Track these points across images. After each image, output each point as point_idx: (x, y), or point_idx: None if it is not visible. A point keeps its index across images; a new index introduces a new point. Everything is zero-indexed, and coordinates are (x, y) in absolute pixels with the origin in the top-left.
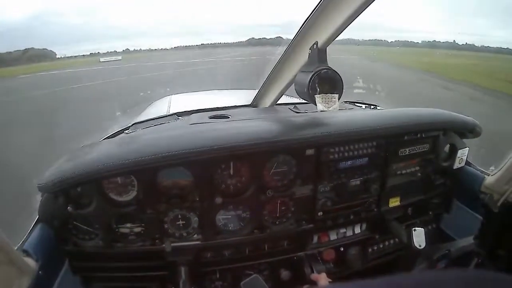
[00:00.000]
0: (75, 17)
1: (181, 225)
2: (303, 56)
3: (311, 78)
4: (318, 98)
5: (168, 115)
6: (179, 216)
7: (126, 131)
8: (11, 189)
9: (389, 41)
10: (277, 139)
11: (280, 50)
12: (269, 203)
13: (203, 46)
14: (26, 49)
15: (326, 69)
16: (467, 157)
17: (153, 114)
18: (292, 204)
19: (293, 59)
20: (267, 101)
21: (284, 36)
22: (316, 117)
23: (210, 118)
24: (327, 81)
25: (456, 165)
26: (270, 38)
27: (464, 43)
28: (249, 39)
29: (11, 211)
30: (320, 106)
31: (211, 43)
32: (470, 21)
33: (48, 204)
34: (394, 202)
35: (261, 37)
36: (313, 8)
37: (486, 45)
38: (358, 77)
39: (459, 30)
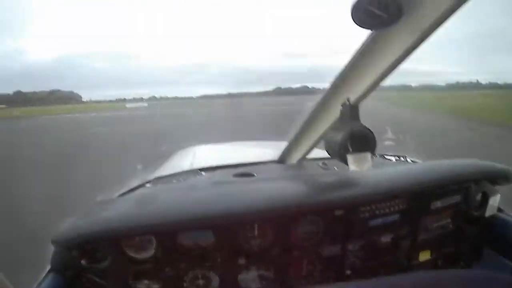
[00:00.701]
0: (101, 61)
1: (201, 284)
2: (334, 112)
3: (343, 137)
4: (350, 157)
5: (191, 171)
6: (199, 276)
7: (147, 184)
8: (22, 234)
9: (413, 85)
10: (305, 202)
11: (310, 102)
12: (295, 262)
13: (230, 95)
14: (52, 90)
15: (359, 127)
16: (498, 203)
17: (176, 166)
18: (319, 263)
19: (324, 114)
20: (295, 157)
21: (309, 85)
22: (346, 176)
23: (234, 176)
24: (359, 140)
25: (488, 213)
26: (295, 88)
27: (487, 82)
28: (276, 88)
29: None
30: (352, 166)
31: (237, 93)
32: (491, 59)
33: (61, 255)
34: (425, 255)
35: (287, 87)
36: (346, 63)
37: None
38: (387, 127)
39: (481, 69)
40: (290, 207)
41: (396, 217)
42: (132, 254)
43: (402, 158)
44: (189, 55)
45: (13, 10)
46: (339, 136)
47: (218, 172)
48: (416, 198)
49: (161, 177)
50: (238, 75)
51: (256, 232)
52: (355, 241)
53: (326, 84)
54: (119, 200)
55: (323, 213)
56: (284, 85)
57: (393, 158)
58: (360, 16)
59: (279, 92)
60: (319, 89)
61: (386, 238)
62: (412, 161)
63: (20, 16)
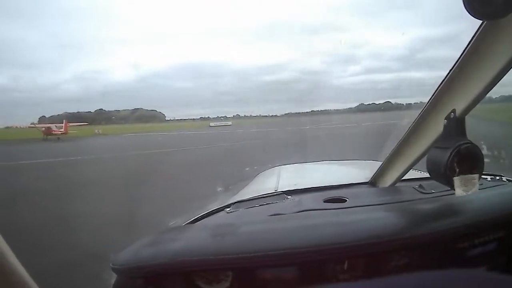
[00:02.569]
0: (183, 81)
1: None
2: (437, 128)
3: (449, 157)
4: (457, 180)
5: (276, 194)
6: None
7: (227, 209)
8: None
9: (493, 97)
10: (405, 236)
11: (406, 118)
12: None
13: (313, 112)
14: (135, 109)
15: (467, 143)
16: None
17: (260, 188)
18: None
19: (425, 130)
20: (389, 179)
21: (392, 101)
22: (450, 202)
23: (325, 202)
24: (467, 159)
25: None
26: (379, 104)
27: None
28: (359, 105)
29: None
30: (459, 191)
31: (321, 110)
32: None
33: (124, 284)
34: None
35: (370, 103)
36: (448, 70)
37: None
38: (482, 143)
39: None
40: (387, 243)
41: (494, 245)
42: (202, 285)
43: (498, 178)
44: (271, 73)
45: (92, 33)
46: (444, 155)
47: (305, 196)
48: None
49: (242, 200)
50: (320, 93)
51: (345, 266)
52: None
53: (409, 100)
54: (190, 228)
55: (421, 245)
56: (367, 101)
57: (489, 178)
58: (473, 3)
59: (362, 108)
60: (402, 105)
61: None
62: (508, 179)
63: (100, 37)
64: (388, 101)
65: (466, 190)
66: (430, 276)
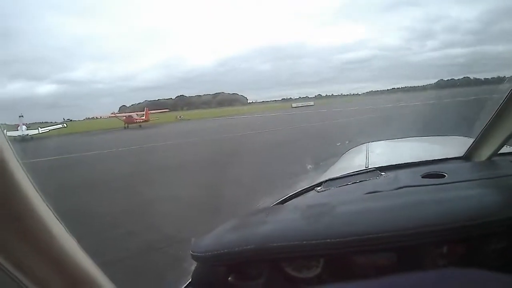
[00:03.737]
0: (262, 64)
1: None
2: None
3: None
4: None
5: (369, 170)
6: None
7: (318, 188)
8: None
9: None
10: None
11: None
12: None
13: (393, 90)
14: (216, 93)
15: None
16: None
17: (349, 166)
18: None
19: None
20: (485, 153)
21: (471, 76)
22: None
23: (423, 177)
24: None
25: None
26: (458, 79)
27: None
28: (438, 81)
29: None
30: None
31: (401, 87)
32: None
33: (205, 270)
34: None
35: (449, 78)
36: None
37: None
38: None
39: None
40: (492, 223)
41: None
42: (291, 272)
43: None
44: (350, 51)
45: (170, 22)
46: None
47: (401, 172)
48: None
49: (333, 178)
50: (399, 70)
51: (445, 250)
52: None
53: (486, 74)
54: (279, 210)
55: None
56: (445, 77)
57: None
58: None
59: (442, 85)
60: (480, 79)
61: None
62: None
63: (178, 25)
64: (467, 76)
65: None
66: (427, 276)
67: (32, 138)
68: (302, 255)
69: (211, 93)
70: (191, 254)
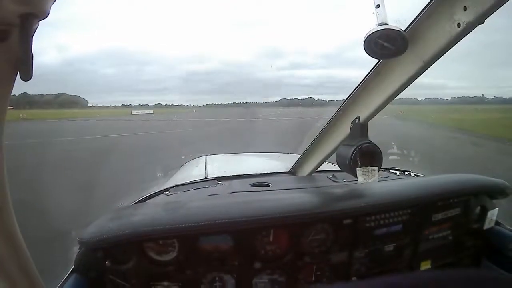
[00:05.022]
0: (107, 67)
1: (218, 286)
2: (345, 129)
3: (353, 153)
4: (359, 171)
5: (209, 180)
6: (217, 278)
7: (166, 192)
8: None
9: (419, 99)
10: (317, 211)
11: (319, 114)
12: (305, 268)
13: (235, 105)
14: (58, 93)
15: (367, 143)
16: (496, 217)
17: (190, 175)
18: (328, 269)
19: (335, 131)
20: (306, 170)
21: (315, 97)
22: (354, 188)
23: (252, 186)
24: (367, 155)
25: (486, 225)
26: (301, 99)
27: (493, 97)
28: (281, 99)
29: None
30: (360, 179)
31: (243, 102)
32: (497, 73)
33: (86, 257)
34: (425, 265)
35: (293, 98)
36: (356, 85)
37: None
38: (393, 143)
39: (487, 84)
40: (303, 215)
41: (399, 227)
42: (154, 256)
43: (406, 173)
44: (196, 63)
45: None
46: (349, 151)
47: (235, 182)
48: (418, 210)
49: (179, 185)
50: (243, 86)
51: (271, 238)
52: (361, 249)
53: (331, 96)
54: (145, 205)
55: (333, 221)
56: (290, 96)
57: (398, 172)
58: (371, 47)
59: (285, 103)
60: (324, 101)
61: (389, 247)
62: (416, 175)
63: None
64: (311, 97)
65: (367, 179)
66: (427, 276)
67: None
68: (163, 237)
69: (53, 93)
70: (78, 241)
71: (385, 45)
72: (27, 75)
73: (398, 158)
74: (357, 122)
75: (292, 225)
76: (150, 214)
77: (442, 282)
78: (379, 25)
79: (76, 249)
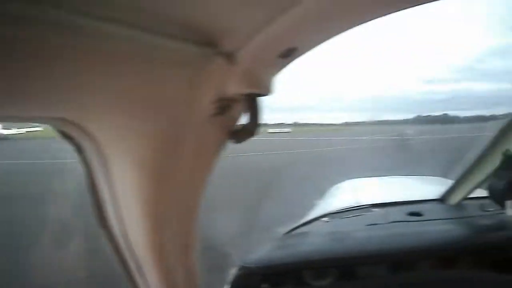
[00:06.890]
0: None
1: None
2: (495, 161)
3: (505, 185)
4: (509, 203)
5: (363, 207)
6: None
7: (323, 219)
8: None
9: None
10: (471, 244)
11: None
12: None
13: (371, 123)
14: None
15: None
16: None
17: (339, 200)
18: None
19: (486, 162)
20: (456, 197)
21: (450, 113)
22: (506, 219)
23: (407, 215)
24: None
25: None
26: (435, 116)
27: None
28: (416, 116)
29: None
30: (510, 211)
31: (379, 120)
32: None
33: (244, 280)
34: None
35: (427, 115)
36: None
37: None
38: None
39: None
40: (458, 249)
41: None
42: (310, 281)
43: None
44: (324, 83)
45: None
46: (500, 184)
47: (389, 210)
48: None
49: (334, 212)
50: (375, 103)
51: (427, 269)
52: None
53: (467, 112)
54: (309, 234)
55: (484, 254)
56: (424, 113)
57: None
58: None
59: (419, 120)
60: (459, 118)
61: None
62: None
63: None
64: (445, 113)
65: None
66: (427, 276)
67: None
68: (328, 267)
69: None
70: (243, 266)
71: None
72: (240, 142)
73: None
74: (507, 154)
75: (448, 258)
76: (316, 243)
77: (443, 282)
78: None
79: (232, 270)
